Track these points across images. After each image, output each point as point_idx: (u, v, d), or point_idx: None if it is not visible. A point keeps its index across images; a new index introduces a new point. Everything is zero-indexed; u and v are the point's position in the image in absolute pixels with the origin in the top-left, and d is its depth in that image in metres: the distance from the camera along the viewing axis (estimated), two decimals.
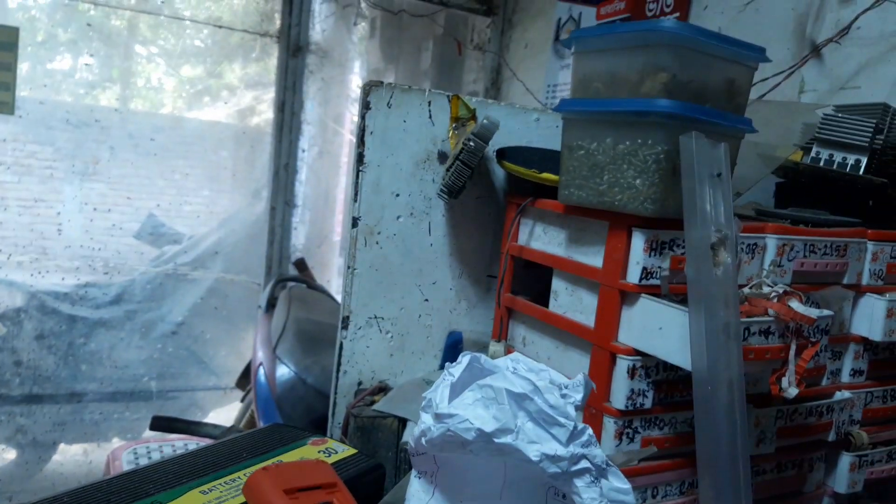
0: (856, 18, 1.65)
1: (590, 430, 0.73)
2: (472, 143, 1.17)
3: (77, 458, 2.81)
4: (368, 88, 1.25)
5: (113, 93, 3.16)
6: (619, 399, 1.02)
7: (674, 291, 1.01)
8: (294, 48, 3.14)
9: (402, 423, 1.20)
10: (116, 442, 2.78)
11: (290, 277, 2.79)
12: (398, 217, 1.30)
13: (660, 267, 1.01)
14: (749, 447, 0.89)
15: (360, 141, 1.25)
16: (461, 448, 0.77)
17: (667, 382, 1.04)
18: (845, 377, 1.20)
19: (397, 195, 1.29)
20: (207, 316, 2.94)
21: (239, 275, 3.03)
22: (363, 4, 3.53)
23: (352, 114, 3.59)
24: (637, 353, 1.01)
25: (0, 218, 2.67)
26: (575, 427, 0.72)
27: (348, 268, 1.27)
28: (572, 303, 1.14)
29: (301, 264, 3.03)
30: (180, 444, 1.98)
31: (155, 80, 3.26)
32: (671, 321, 0.95)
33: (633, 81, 1.00)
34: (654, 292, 1.01)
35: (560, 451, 0.71)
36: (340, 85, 3.51)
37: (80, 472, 2.77)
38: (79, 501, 0.82)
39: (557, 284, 1.18)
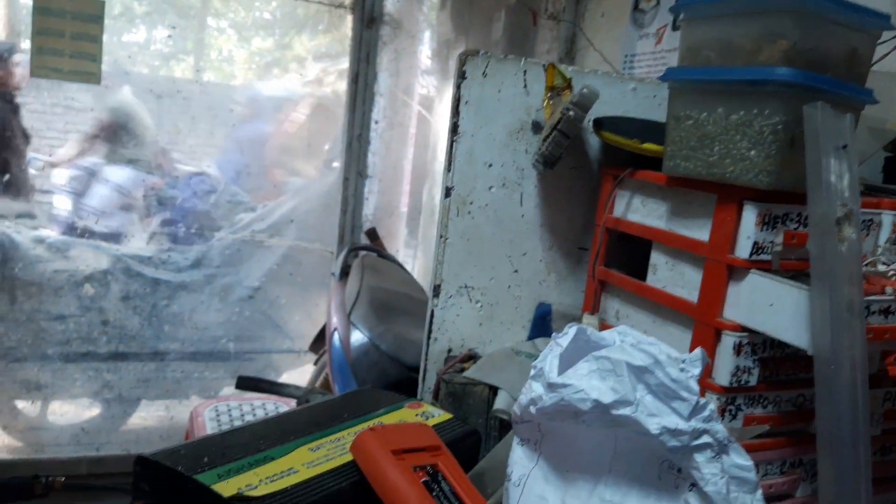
0: None
1: (712, 405, 0.71)
2: (571, 113, 1.15)
3: (159, 414, 2.93)
4: (465, 58, 1.24)
5: (187, 64, 3.23)
6: (722, 375, 1.00)
7: (784, 268, 0.98)
8: (368, 19, 3.14)
9: (493, 391, 1.20)
10: (196, 400, 2.88)
11: (362, 246, 2.82)
12: (490, 187, 1.29)
13: (772, 242, 0.97)
14: (869, 432, 0.85)
15: (455, 111, 1.24)
16: (574, 418, 0.77)
17: (773, 360, 1.02)
18: None
19: (490, 165, 1.28)
20: (282, 281, 3.01)
21: (313, 243, 3.08)
22: None
23: (421, 85, 3.59)
24: (743, 329, 0.99)
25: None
26: (697, 401, 0.71)
27: (440, 237, 1.27)
28: (673, 277, 1.12)
29: (373, 234, 3.06)
30: (258, 403, 2.05)
31: (226, 52, 3.31)
32: (784, 297, 0.92)
33: (749, 49, 0.96)
34: (765, 268, 0.98)
35: (681, 425, 0.70)
36: (411, 56, 3.49)
37: (163, 427, 2.89)
38: (196, 453, 0.86)
39: (657, 258, 1.15)
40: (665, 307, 1.13)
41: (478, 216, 1.28)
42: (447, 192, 1.26)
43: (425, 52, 3.63)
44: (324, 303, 2.85)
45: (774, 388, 1.03)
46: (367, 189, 3.27)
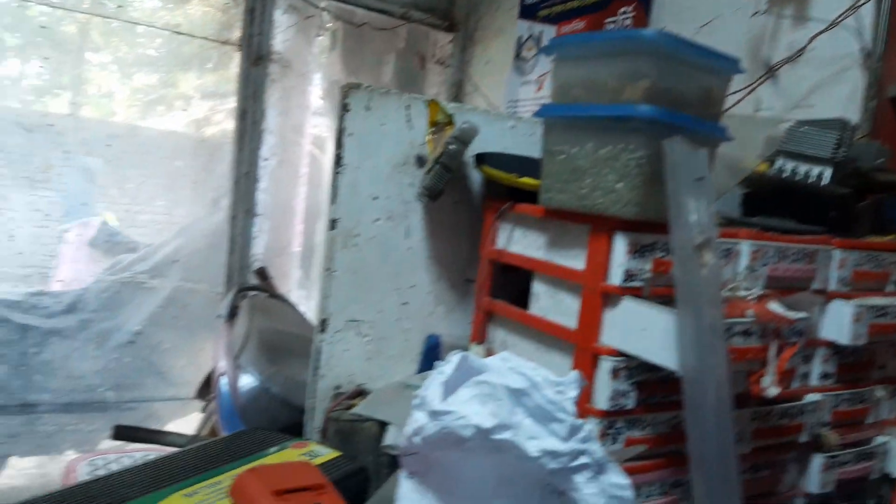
0: (811, 40, 1.71)
1: (589, 426, 0.73)
2: (452, 147, 1.18)
3: (30, 472, 2.70)
4: (347, 90, 1.25)
5: (64, 100, 3.08)
6: (602, 400, 1.03)
7: (655, 294, 1.03)
8: (256, 57, 3.11)
9: (382, 426, 1.19)
10: (71, 454, 2.67)
11: (251, 286, 2.74)
12: (376, 220, 1.29)
13: (642, 269, 1.03)
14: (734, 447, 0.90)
15: (339, 142, 1.25)
16: (457, 446, 0.77)
17: (648, 383, 1.06)
18: (815, 380, 1.24)
19: (375, 198, 1.29)
20: (166, 325, 2.86)
21: (199, 283, 2.97)
22: (325, 16, 3.52)
23: (312, 125, 3.57)
24: (620, 354, 1.03)
25: None
26: (574, 423, 0.73)
27: (326, 269, 1.26)
28: (553, 305, 1.16)
29: (262, 273, 2.98)
30: (140, 455, 1.92)
31: (107, 88, 3.19)
32: (655, 322, 0.97)
33: (614, 88, 1.02)
34: (636, 294, 1.03)
35: (560, 446, 0.72)
36: (301, 95, 3.48)
37: (34, 486, 2.66)
38: None
39: (538, 287, 1.19)
40: (547, 334, 1.16)
41: (364, 248, 1.28)
42: (332, 223, 1.26)
43: (316, 92, 3.62)
44: (211, 346, 2.73)
45: (651, 410, 1.07)
46: (257, 227, 3.20)
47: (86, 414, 2.76)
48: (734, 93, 1.84)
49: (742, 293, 1.06)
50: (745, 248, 1.12)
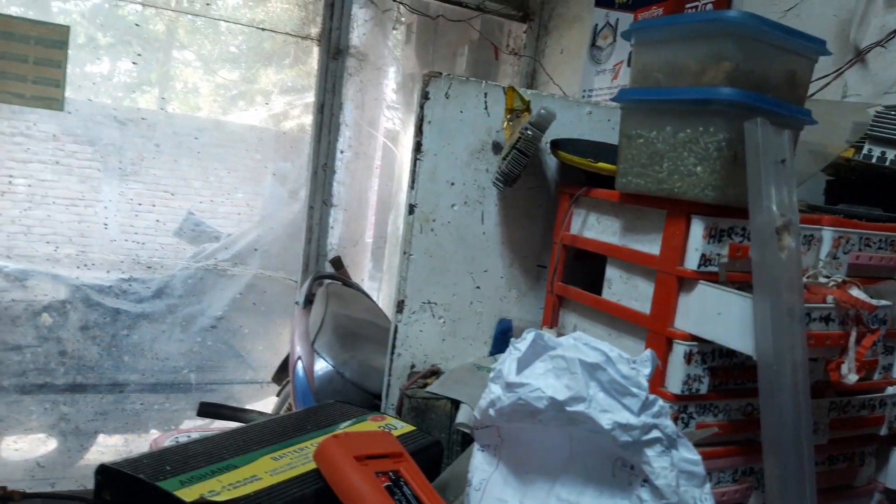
0: None
1: (661, 401, 0.74)
2: (529, 132, 1.19)
3: (117, 448, 2.86)
4: (428, 79, 1.28)
5: (152, 95, 3.24)
6: (674, 384, 1.03)
7: (731, 279, 1.03)
8: (335, 51, 3.20)
9: (455, 405, 1.22)
10: (155, 433, 2.83)
11: (326, 275, 2.82)
12: (453, 205, 1.32)
13: (718, 254, 1.02)
14: (811, 433, 0.89)
15: (419, 130, 1.28)
16: (530, 417, 0.79)
17: (722, 369, 1.06)
18: None
19: (452, 184, 1.32)
20: (246, 311, 2.99)
21: (277, 271, 3.08)
22: (401, 9, 3.58)
23: (386, 118, 3.64)
24: (693, 338, 1.03)
25: (47, 213, 2.75)
26: (647, 397, 0.74)
27: (404, 253, 1.30)
28: (627, 290, 1.16)
29: (337, 262, 3.06)
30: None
31: (192, 84, 3.33)
32: (731, 306, 0.96)
33: (695, 71, 1.02)
34: (712, 279, 1.02)
35: (632, 420, 0.73)
36: (376, 89, 3.56)
37: None
38: (158, 462, 0.86)
39: (611, 272, 1.20)
40: (620, 319, 1.16)
41: (440, 233, 1.31)
42: (411, 209, 1.29)
43: (390, 86, 3.69)
44: (287, 332, 2.84)
45: (725, 396, 1.07)
46: (333, 218, 3.29)
47: (171, 394, 2.91)
48: (821, 78, 1.79)
49: (823, 280, 1.04)
50: (828, 234, 1.10)
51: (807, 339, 0.92)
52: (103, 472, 0.85)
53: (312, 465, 0.89)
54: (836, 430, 1.14)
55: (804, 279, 1.04)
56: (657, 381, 1.04)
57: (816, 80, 1.79)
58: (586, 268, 1.28)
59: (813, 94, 1.79)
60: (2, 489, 0.87)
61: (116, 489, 0.84)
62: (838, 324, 0.97)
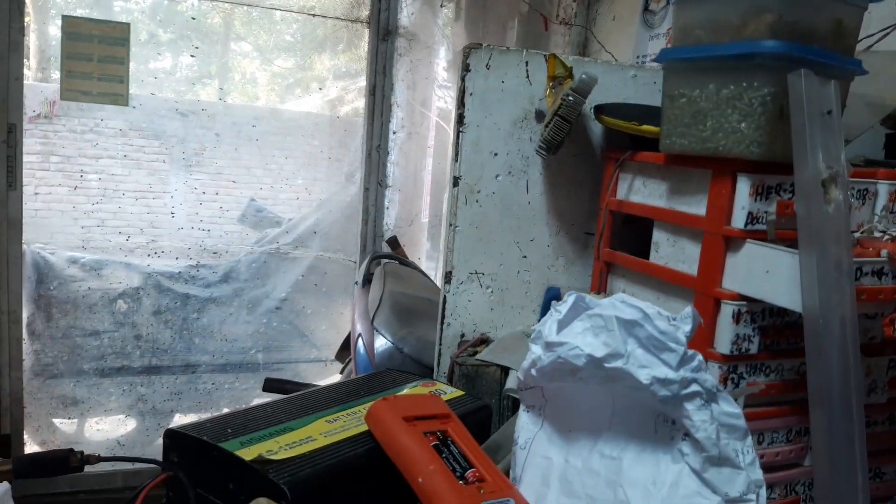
0: None
1: (700, 356, 0.74)
2: (571, 98, 1.19)
3: None
4: (468, 51, 1.29)
5: (212, 87, 3.33)
6: (723, 344, 1.02)
7: (779, 237, 1.01)
8: (384, 32, 3.22)
9: (504, 372, 1.24)
10: (226, 411, 2.94)
11: (384, 254, 2.87)
12: (497, 176, 1.33)
13: (766, 212, 1.00)
14: (862, 389, 0.87)
15: (461, 102, 1.30)
16: (571, 376, 0.80)
17: (773, 328, 1.04)
18: None
19: (496, 154, 1.33)
20: (308, 292, 3.08)
21: (336, 253, 3.15)
22: None
23: (437, 97, 3.65)
24: (742, 298, 1.01)
25: (118, 205, 2.88)
26: (685, 352, 0.74)
27: (450, 225, 1.32)
28: (674, 253, 1.15)
29: (394, 242, 3.12)
30: None
31: (250, 75, 3.42)
32: (779, 264, 0.95)
33: (736, 25, 1.00)
34: (760, 237, 1.01)
35: (671, 374, 0.73)
36: (427, 68, 3.56)
37: None
38: (220, 425, 0.91)
39: (658, 236, 1.19)
40: (668, 283, 1.16)
41: (485, 204, 1.33)
42: (455, 181, 1.31)
43: (441, 64, 3.70)
44: (348, 311, 2.91)
45: (776, 356, 1.05)
46: (388, 199, 3.34)
47: (240, 374, 3.02)
48: (883, 30, 1.71)
49: (877, 234, 1.01)
50: (883, 188, 1.07)
51: (858, 295, 0.90)
52: (171, 435, 0.91)
53: (364, 427, 0.92)
54: None
55: (858, 234, 1.01)
56: (706, 341, 1.04)
57: (878, 32, 1.71)
58: (634, 233, 1.28)
59: (871, 46, 1.72)
60: (79, 452, 0.94)
61: (182, 451, 0.89)
62: (892, 278, 0.94)
